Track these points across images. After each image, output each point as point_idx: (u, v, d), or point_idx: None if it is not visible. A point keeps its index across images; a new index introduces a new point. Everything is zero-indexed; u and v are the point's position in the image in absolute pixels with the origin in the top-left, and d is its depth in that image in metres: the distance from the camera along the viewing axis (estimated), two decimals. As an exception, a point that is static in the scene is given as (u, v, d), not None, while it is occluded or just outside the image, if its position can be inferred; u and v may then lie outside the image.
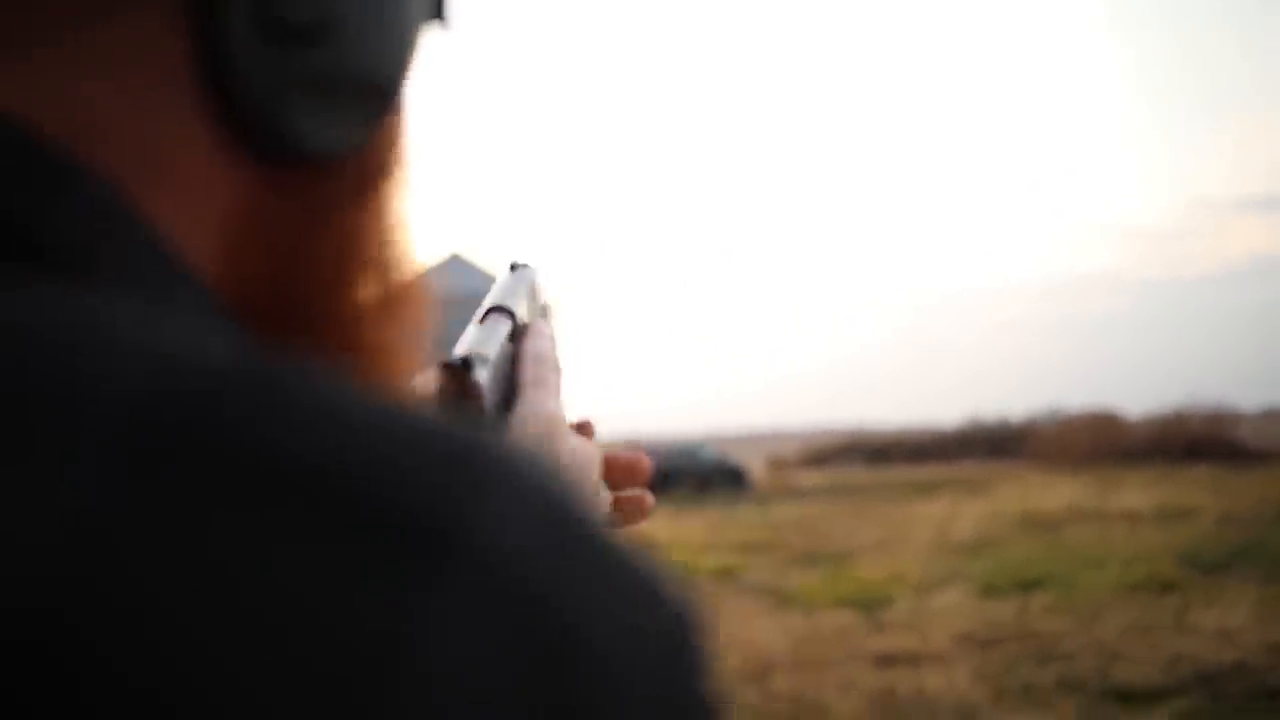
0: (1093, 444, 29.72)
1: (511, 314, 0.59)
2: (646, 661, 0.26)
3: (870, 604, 9.56)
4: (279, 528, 0.23)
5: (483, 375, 0.52)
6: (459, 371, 0.52)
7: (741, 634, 8.44)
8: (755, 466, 32.98)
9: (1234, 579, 9.68)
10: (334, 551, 0.23)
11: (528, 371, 0.57)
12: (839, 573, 11.47)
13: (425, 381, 0.53)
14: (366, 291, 0.38)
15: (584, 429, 0.62)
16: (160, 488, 0.23)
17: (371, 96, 0.36)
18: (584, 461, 0.57)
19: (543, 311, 0.64)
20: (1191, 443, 28.11)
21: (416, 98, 0.39)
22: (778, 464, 37.25)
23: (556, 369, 0.58)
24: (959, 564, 11.65)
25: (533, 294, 0.63)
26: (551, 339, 0.61)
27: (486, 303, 0.59)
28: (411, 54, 0.38)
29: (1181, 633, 7.74)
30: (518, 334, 0.58)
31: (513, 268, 0.64)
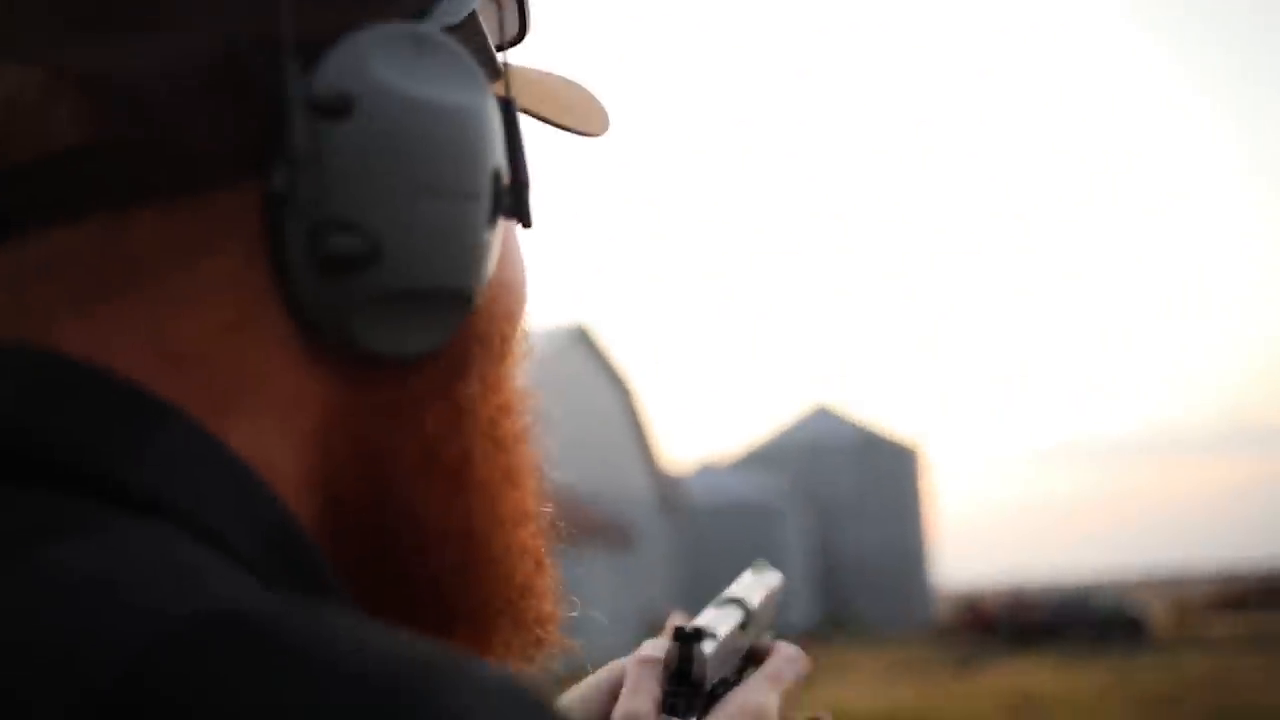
0: None
1: (747, 609, 0.64)
2: None
3: (1295, 773, 8.47)
4: None
5: (708, 649, 0.58)
6: (687, 640, 0.58)
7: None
8: (1159, 612, 30.29)
9: None
10: None
11: (772, 664, 0.61)
12: (1257, 735, 10.25)
13: (659, 645, 0.59)
14: (487, 468, 0.43)
15: None
16: None
17: (442, 301, 0.40)
18: None
19: (773, 620, 0.69)
20: None
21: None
22: (1184, 609, 34.07)
23: (797, 678, 0.61)
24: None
25: (770, 597, 0.68)
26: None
27: (726, 593, 0.65)
28: (483, 256, 0.40)
29: None
30: (747, 625, 0.64)
31: (754, 568, 0.71)
